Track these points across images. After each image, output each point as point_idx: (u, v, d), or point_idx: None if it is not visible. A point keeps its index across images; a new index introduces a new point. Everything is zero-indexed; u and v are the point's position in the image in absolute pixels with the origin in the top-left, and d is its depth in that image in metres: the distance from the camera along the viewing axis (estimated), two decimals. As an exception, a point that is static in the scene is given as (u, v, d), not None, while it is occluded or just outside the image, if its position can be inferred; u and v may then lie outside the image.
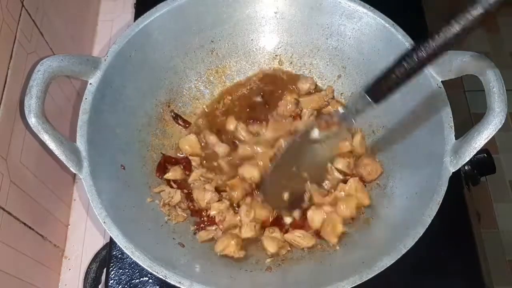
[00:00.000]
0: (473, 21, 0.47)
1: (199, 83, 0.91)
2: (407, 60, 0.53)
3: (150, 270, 0.63)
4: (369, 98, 0.60)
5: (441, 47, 0.50)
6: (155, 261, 0.64)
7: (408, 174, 0.76)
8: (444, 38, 0.49)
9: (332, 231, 0.75)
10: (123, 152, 0.77)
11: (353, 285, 0.62)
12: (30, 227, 0.74)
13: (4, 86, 0.67)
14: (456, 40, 0.49)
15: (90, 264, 0.86)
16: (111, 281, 0.78)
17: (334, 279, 0.63)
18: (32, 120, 0.63)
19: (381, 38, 0.82)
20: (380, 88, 0.58)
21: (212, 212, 0.78)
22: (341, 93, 0.90)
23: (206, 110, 0.90)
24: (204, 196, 0.78)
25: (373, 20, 0.82)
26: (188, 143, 0.85)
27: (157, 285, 0.78)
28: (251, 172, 0.80)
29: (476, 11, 0.46)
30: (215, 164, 0.84)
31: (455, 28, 0.48)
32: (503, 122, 0.63)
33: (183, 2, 0.82)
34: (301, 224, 0.78)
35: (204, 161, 0.85)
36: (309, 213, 0.77)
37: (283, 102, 0.88)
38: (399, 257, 0.63)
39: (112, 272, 0.79)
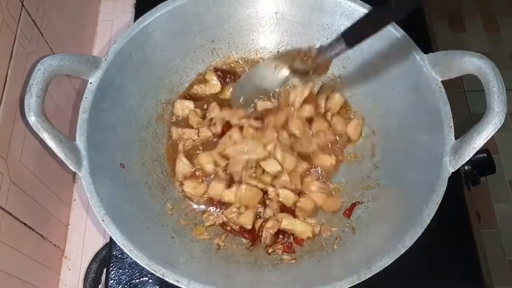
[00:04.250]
0: None
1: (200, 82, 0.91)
2: (377, 13, 0.66)
3: (148, 269, 0.64)
4: (343, 41, 0.70)
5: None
6: (153, 259, 0.64)
7: (407, 174, 0.76)
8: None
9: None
10: (122, 151, 0.77)
11: (352, 285, 0.63)
12: (30, 227, 0.74)
13: (4, 86, 0.67)
14: None
15: (90, 264, 0.86)
16: (111, 281, 0.78)
17: (332, 279, 0.63)
18: (32, 119, 0.63)
19: (381, 38, 0.81)
20: (354, 34, 0.70)
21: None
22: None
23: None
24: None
25: (373, 20, 0.82)
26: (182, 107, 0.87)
27: (157, 285, 0.78)
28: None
29: None
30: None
31: None
32: (502, 122, 0.63)
33: (183, 2, 0.82)
34: None
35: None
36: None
37: None
38: (397, 257, 0.64)
39: (112, 272, 0.79)
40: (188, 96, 0.89)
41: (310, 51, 0.77)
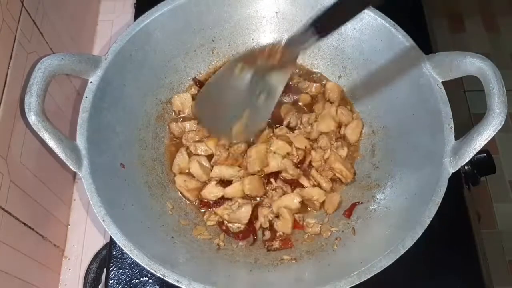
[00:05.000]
0: None
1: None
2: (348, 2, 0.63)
3: (149, 269, 0.64)
4: (314, 30, 0.65)
5: None
6: (153, 259, 0.64)
7: (407, 175, 0.76)
8: None
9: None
10: (123, 151, 0.77)
11: (352, 285, 0.63)
12: (30, 227, 0.74)
13: (4, 86, 0.67)
14: None
15: (90, 264, 0.86)
16: (111, 281, 0.78)
17: (332, 279, 0.63)
18: (32, 118, 0.63)
19: (382, 38, 0.82)
20: (325, 23, 0.65)
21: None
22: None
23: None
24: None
25: (373, 21, 0.82)
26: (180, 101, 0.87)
27: (157, 285, 0.78)
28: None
29: None
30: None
31: None
32: (502, 123, 0.63)
33: (183, 2, 0.82)
34: None
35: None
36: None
37: None
38: (397, 257, 0.64)
39: (112, 272, 0.79)
40: (197, 81, 0.90)
41: (275, 46, 0.72)
